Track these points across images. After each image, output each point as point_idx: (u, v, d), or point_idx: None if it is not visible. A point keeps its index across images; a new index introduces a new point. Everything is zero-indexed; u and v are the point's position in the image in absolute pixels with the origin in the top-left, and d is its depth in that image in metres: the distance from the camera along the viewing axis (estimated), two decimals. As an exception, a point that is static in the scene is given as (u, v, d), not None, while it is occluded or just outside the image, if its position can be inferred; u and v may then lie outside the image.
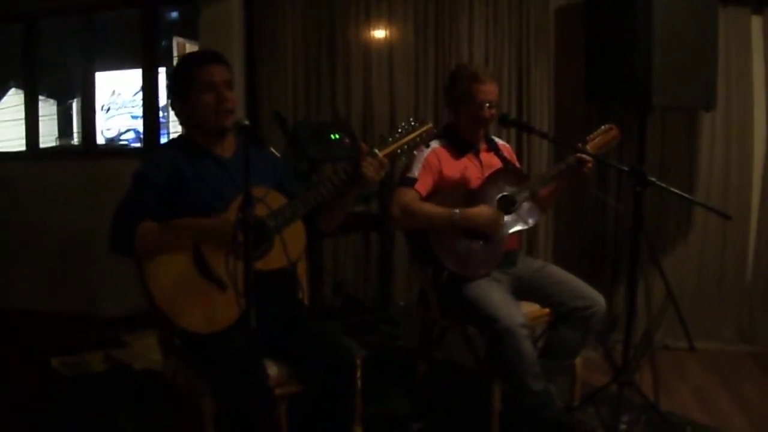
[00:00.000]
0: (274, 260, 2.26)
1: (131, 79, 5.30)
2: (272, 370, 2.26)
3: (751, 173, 4.17)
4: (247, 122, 2.06)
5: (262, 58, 4.62)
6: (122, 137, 5.57)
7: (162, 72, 4.96)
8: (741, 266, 4.22)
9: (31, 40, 5.24)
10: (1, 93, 5.81)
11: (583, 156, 2.83)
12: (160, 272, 2.17)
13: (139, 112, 5.24)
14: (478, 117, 2.90)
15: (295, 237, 2.32)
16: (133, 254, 2.18)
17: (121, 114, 5.51)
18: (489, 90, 2.89)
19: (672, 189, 2.75)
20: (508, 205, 2.86)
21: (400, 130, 2.41)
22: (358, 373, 2.36)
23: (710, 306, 4.22)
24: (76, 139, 5.72)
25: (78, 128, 5.56)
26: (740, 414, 3.25)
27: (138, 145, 5.39)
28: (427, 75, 4.46)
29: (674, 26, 3.52)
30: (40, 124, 5.40)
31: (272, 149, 2.69)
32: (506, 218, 2.84)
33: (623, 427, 2.86)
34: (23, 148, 5.39)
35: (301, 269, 2.58)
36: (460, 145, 2.98)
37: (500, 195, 2.87)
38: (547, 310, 2.89)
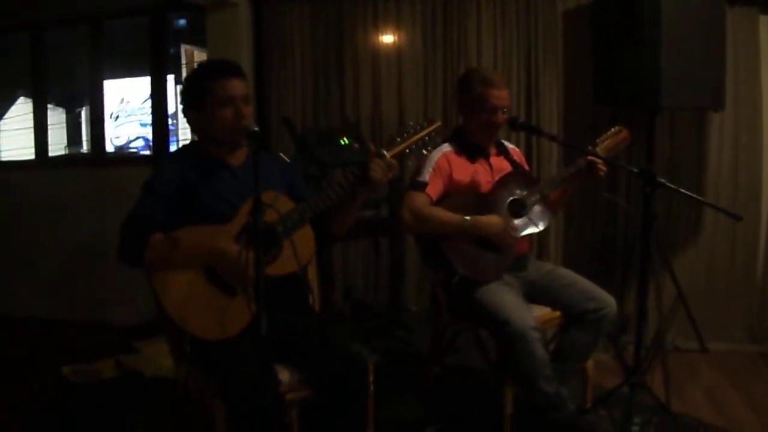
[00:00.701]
0: (284, 265, 2.26)
1: (140, 86, 5.31)
2: (283, 375, 2.26)
3: (760, 173, 4.16)
4: (256, 128, 2.06)
5: (270, 64, 4.64)
6: (131, 145, 5.58)
7: (171, 79, 4.98)
8: (751, 267, 4.20)
9: (39, 49, 5.27)
10: (9, 102, 5.84)
11: (594, 159, 2.82)
12: (170, 281, 2.18)
13: (148, 119, 5.26)
14: (491, 122, 2.89)
15: (304, 241, 2.32)
16: (141, 265, 2.19)
17: (130, 122, 5.52)
18: (502, 95, 2.87)
19: (681, 190, 2.73)
20: (518, 209, 2.84)
21: (409, 130, 2.41)
22: (371, 378, 2.36)
23: (720, 307, 4.20)
24: (85, 148, 5.73)
25: (87, 136, 5.57)
26: (751, 414, 3.23)
27: (147, 152, 5.41)
28: (435, 78, 4.47)
29: (682, 27, 3.52)
30: (49, 132, 5.44)
31: (282, 154, 2.69)
32: (517, 222, 2.84)
33: (635, 428, 2.84)
34: (32, 156, 5.43)
35: (312, 275, 2.58)
36: (470, 149, 2.97)
37: (510, 198, 2.86)
38: (558, 312, 2.89)
